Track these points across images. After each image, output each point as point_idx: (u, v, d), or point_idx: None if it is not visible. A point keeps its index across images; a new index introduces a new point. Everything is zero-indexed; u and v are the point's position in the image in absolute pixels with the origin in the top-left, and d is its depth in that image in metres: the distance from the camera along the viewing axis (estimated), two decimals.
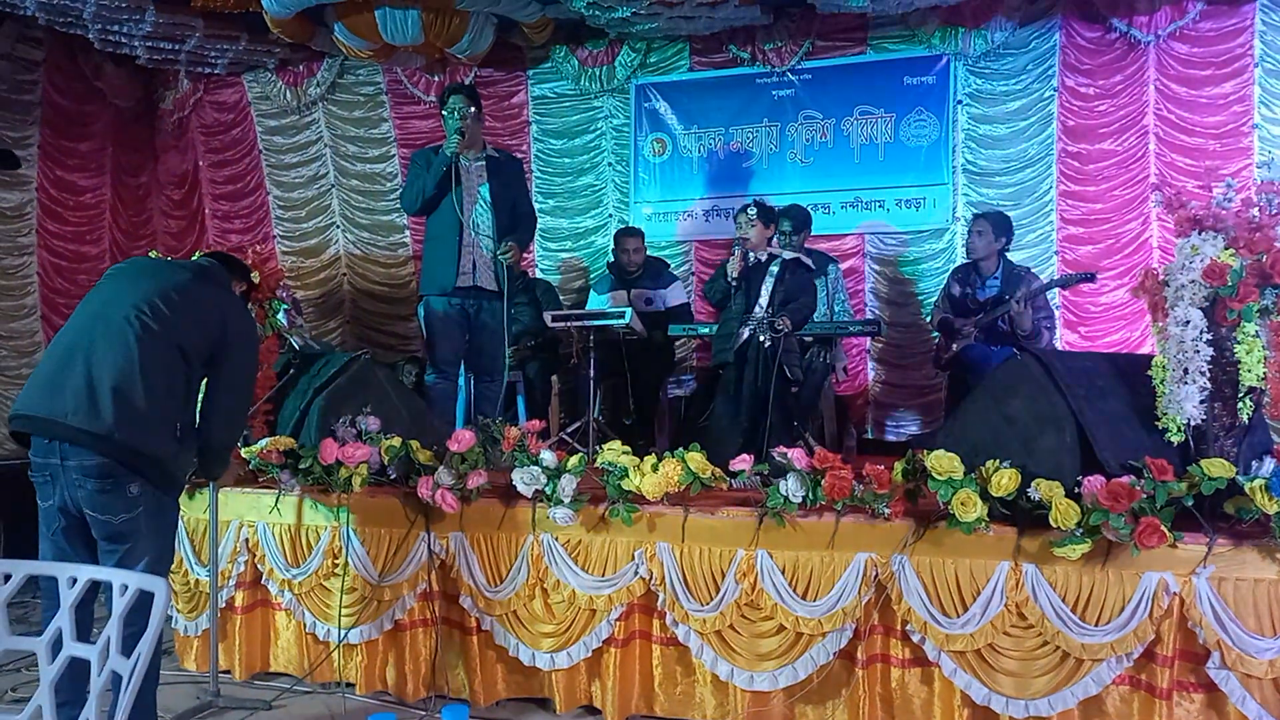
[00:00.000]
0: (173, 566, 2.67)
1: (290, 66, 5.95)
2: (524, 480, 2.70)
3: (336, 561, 2.90)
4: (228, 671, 3.01)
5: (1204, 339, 2.25)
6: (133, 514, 2.16)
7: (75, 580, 1.61)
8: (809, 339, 4.39)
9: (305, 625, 2.97)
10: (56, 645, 1.57)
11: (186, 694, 2.90)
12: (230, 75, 6.04)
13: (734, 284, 3.65)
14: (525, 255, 5.44)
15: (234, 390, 2.43)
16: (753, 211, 3.72)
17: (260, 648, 3.08)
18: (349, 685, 2.91)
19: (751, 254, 3.68)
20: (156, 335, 2.21)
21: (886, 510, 2.44)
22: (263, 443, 2.95)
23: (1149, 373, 2.39)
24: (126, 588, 1.55)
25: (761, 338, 3.54)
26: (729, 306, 3.75)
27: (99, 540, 2.18)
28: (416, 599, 2.86)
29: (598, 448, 2.85)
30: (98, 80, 5.75)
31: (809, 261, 3.88)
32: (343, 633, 2.86)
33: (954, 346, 4.25)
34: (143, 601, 1.52)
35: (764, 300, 3.63)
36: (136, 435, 2.14)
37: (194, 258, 2.65)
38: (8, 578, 1.62)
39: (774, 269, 3.67)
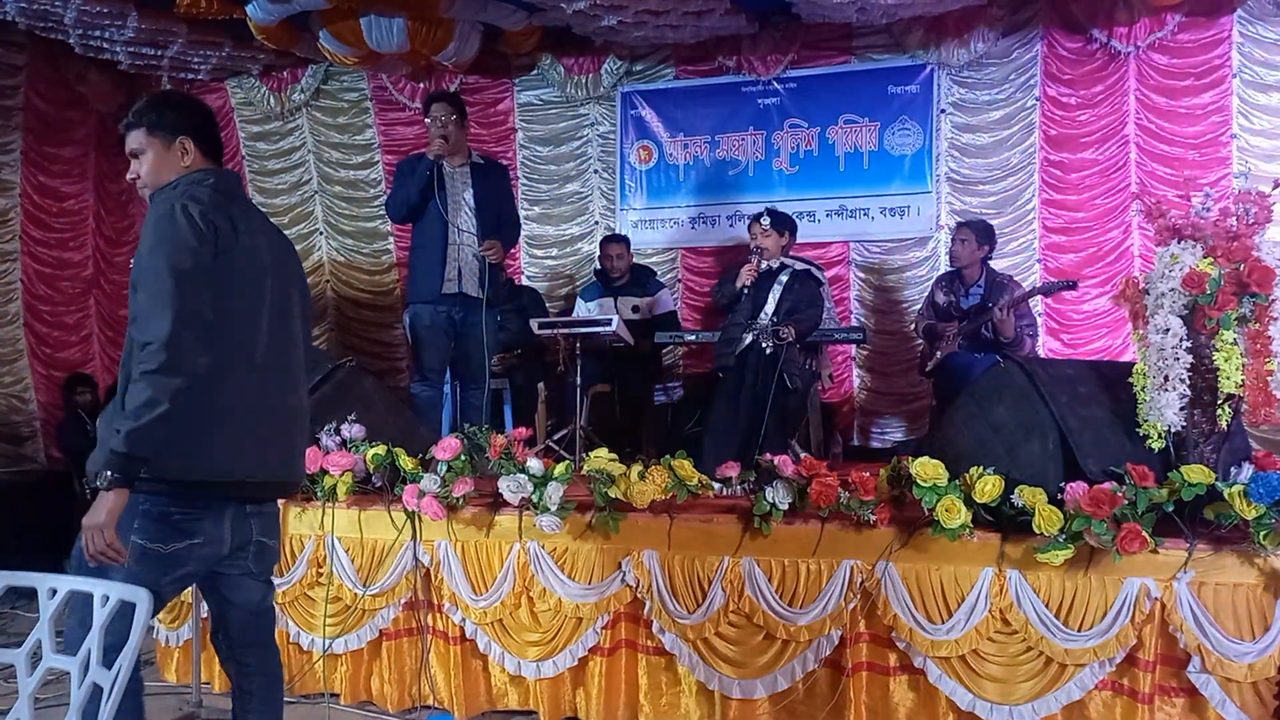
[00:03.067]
0: None
1: (274, 72, 5.91)
2: (510, 488, 2.69)
3: (320, 571, 2.88)
4: (209, 683, 2.98)
5: (1184, 346, 2.27)
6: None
7: (55, 591, 1.59)
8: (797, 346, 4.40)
9: (289, 635, 2.94)
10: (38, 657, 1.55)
11: (168, 706, 2.87)
12: (213, 80, 5.99)
13: (744, 290, 3.66)
14: (511, 263, 5.45)
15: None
16: (766, 221, 3.71)
17: None
18: (334, 696, 2.89)
19: (764, 262, 3.69)
20: (302, 339, 2.08)
21: (872, 517, 2.45)
22: None
23: (1130, 380, 2.42)
24: (108, 598, 1.54)
25: (764, 344, 3.56)
26: (734, 311, 3.76)
27: (259, 566, 2.04)
28: (401, 608, 2.84)
29: (584, 455, 2.84)
30: (80, 85, 5.69)
31: (819, 274, 3.88)
32: (327, 643, 2.84)
33: (938, 354, 4.28)
34: (124, 611, 1.51)
35: (770, 309, 3.64)
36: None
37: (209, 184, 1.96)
38: None
39: (783, 278, 3.69)
